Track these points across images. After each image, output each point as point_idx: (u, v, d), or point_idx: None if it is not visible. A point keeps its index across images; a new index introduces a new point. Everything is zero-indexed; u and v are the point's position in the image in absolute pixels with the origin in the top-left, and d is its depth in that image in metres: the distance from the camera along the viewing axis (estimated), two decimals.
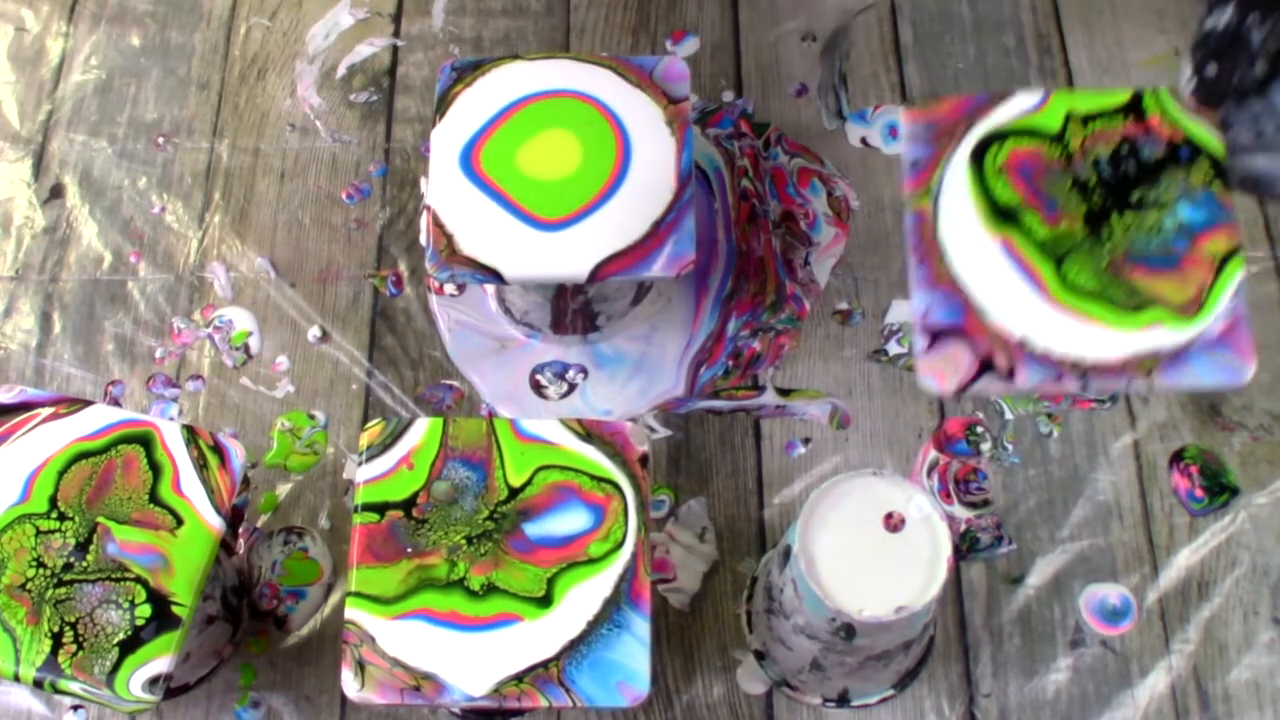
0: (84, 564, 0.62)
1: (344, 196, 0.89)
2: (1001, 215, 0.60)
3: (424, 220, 0.71)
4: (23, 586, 0.61)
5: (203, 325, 0.84)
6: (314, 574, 0.77)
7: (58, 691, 0.61)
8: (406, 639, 0.62)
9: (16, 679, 0.61)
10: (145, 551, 0.63)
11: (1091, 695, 0.74)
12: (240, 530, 0.78)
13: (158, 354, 0.84)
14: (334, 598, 0.77)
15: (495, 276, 0.70)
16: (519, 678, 0.61)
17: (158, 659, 0.61)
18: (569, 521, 0.64)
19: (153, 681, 0.61)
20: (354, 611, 0.62)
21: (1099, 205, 0.61)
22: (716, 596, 0.77)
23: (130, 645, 0.61)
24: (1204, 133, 0.61)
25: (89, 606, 0.61)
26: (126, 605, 0.61)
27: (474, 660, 0.61)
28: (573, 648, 0.61)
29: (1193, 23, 0.94)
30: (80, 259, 0.87)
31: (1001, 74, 0.93)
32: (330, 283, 0.86)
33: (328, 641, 0.76)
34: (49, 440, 0.65)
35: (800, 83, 0.93)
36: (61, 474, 0.64)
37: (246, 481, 0.79)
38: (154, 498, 0.64)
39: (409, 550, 0.63)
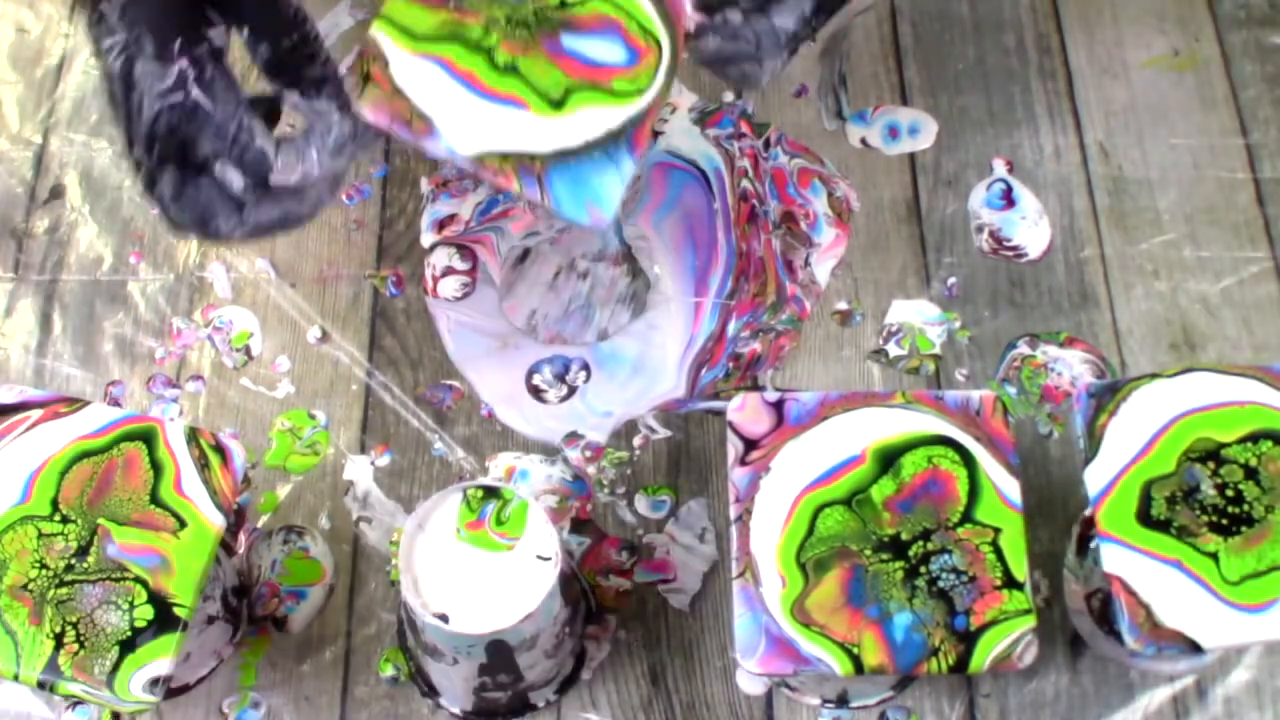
0: (85, 565, 0.62)
1: (344, 197, 0.89)
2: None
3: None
4: (24, 587, 0.61)
5: (203, 326, 0.84)
6: (315, 574, 0.77)
7: (56, 692, 0.61)
8: (419, 76, 0.62)
9: (17, 679, 0.61)
10: (145, 553, 0.63)
11: (1091, 696, 0.74)
12: (241, 529, 0.78)
13: (158, 354, 0.84)
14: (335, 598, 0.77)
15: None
16: (505, 155, 0.62)
17: (158, 660, 0.61)
18: (605, 50, 0.64)
19: (153, 682, 0.61)
20: (379, 33, 0.63)
21: None
22: (716, 596, 0.77)
23: (130, 646, 0.61)
24: None
25: (89, 607, 0.61)
26: (126, 606, 0.61)
27: (472, 123, 0.61)
28: (563, 156, 0.62)
29: (1194, 24, 0.94)
30: (80, 259, 0.87)
31: (1001, 74, 0.93)
32: (330, 283, 0.86)
33: (328, 641, 0.76)
34: (50, 440, 0.65)
35: (800, 83, 0.93)
36: (63, 474, 0.64)
37: (247, 481, 0.79)
38: (155, 499, 0.64)
39: (451, 2, 0.63)
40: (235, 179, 0.59)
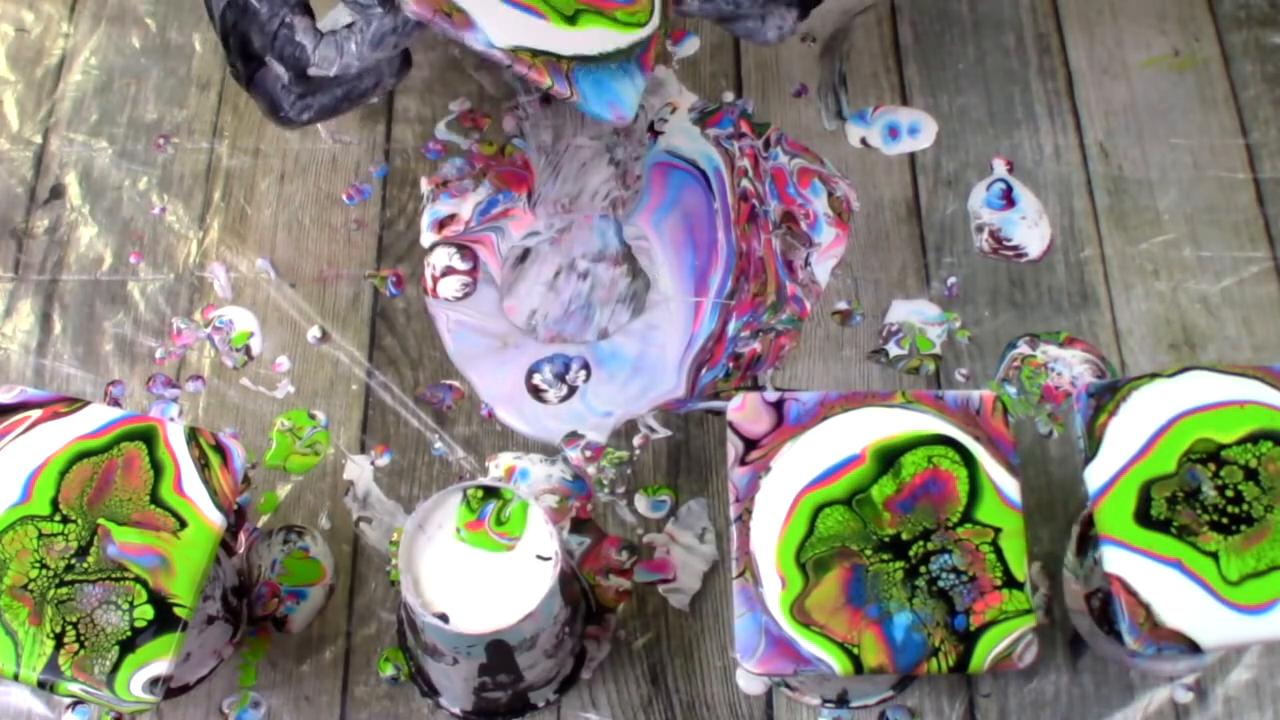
0: (85, 565, 0.62)
1: (344, 197, 0.89)
2: None
3: None
4: (24, 587, 0.61)
5: (203, 326, 0.84)
6: (315, 574, 0.77)
7: (56, 692, 0.61)
8: None
9: (17, 679, 0.61)
10: (145, 553, 0.63)
11: (1091, 695, 0.74)
12: (241, 529, 0.78)
13: (158, 354, 0.84)
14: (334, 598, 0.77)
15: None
16: (536, 52, 0.68)
17: (158, 660, 0.61)
18: None
19: (153, 682, 0.61)
20: None
21: None
22: (716, 596, 0.77)
23: (130, 646, 0.61)
24: None
25: (89, 607, 0.61)
26: (126, 606, 0.61)
27: (503, 21, 0.67)
28: (585, 60, 0.69)
29: (1194, 24, 0.94)
30: (80, 259, 0.87)
31: (1001, 74, 0.93)
32: (330, 283, 0.86)
33: (328, 641, 0.76)
34: (49, 439, 0.65)
35: (800, 83, 0.93)
36: (63, 474, 0.64)
37: (247, 481, 0.79)
38: (155, 499, 0.64)
39: None
40: (281, 71, 0.67)
